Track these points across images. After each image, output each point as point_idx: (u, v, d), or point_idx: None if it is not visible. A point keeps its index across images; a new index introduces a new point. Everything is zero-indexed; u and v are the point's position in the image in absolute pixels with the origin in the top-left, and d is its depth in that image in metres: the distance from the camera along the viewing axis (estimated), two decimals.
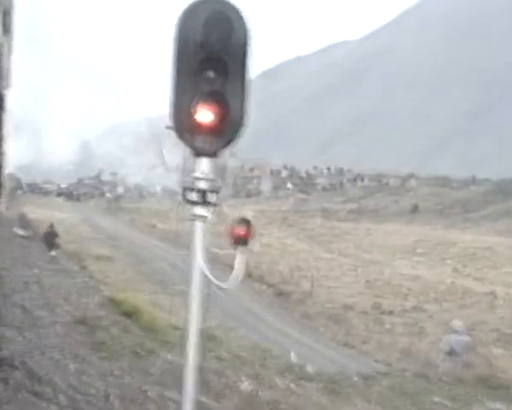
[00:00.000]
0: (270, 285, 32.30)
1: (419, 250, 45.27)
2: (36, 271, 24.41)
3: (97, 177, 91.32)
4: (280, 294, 30.79)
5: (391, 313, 27.29)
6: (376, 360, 21.83)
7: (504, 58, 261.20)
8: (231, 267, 3.31)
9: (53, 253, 28.38)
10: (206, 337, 20.68)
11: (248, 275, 34.85)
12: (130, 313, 18.98)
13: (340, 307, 28.22)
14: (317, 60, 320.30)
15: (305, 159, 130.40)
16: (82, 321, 13.03)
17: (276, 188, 78.44)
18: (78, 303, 18.03)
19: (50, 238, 29.08)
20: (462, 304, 29.04)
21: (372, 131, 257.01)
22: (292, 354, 19.35)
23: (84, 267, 30.91)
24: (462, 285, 32.53)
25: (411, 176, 79.29)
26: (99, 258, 35.92)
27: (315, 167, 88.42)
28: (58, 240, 30.32)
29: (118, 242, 45.23)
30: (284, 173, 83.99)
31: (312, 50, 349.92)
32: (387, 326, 25.96)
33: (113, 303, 20.45)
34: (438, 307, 28.19)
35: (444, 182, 75.26)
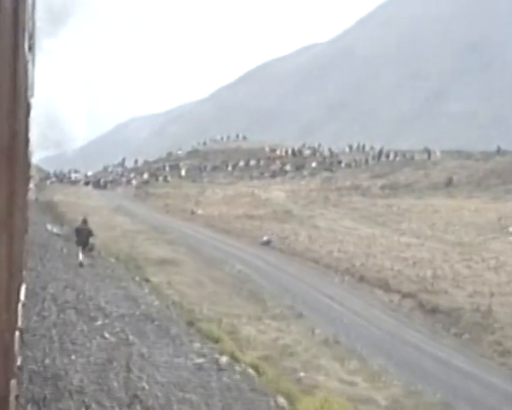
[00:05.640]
0: (404, 295, 19.53)
1: (511, 228, 32.85)
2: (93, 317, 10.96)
3: (122, 164, 77.36)
4: (432, 310, 18.03)
5: None
6: None
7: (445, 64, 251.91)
8: None
9: (80, 258, 16.07)
10: None
11: (360, 278, 21.87)
12: None
13: None
14: (293, 60, 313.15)
15: (291, 140, 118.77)
16: None
17: (299, 167, 65.27)
18: None
19: (83, 238, 16.46)
20: None
21: (344, 117, 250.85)
22: None
23: (148, 281, 18.20)
24: None
25: (428, 150, 66.24)
26: (161, 263, 22.92)
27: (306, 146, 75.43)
28: (93, 240, 17.59)
29: (167, 235, 32.32)
30: (307, 152, 70.67)
31: (287, 52, 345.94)
32: None
33: None
34: None
35: (466, 155, 63.20)
